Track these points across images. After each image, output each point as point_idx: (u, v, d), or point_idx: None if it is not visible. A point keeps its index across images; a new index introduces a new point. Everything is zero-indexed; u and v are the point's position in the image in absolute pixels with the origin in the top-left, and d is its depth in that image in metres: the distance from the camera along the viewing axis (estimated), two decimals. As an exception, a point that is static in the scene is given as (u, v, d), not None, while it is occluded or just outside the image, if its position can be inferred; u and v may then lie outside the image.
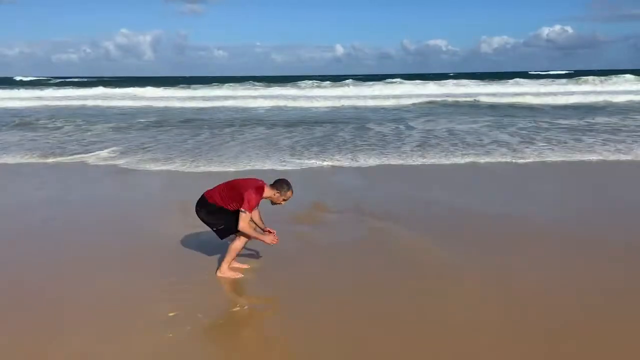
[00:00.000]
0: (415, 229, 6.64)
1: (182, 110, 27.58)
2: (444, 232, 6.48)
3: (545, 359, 3.67)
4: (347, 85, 47.04)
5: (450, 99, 31.12)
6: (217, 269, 5.23)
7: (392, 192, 8.76)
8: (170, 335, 4.02)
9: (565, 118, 20.11)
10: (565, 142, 13.68)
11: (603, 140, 14.04)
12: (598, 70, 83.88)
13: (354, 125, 18.53)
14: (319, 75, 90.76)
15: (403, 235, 6.38)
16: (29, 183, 10.00)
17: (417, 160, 11.57)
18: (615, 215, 7.25)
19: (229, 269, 5.22)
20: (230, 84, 52.17)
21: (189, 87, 47.38)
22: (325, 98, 33.00)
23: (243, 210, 4.89)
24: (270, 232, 5.25)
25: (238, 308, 4.53)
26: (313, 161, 11.60)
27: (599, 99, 29.57)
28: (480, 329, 4.08)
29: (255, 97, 34.37)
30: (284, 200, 5.15)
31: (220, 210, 5.12)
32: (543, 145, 13.20)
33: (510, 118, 20.46)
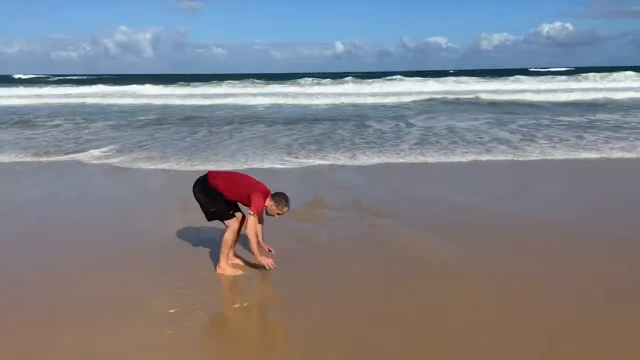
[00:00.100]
0: (415, 226, 6.61)
1: (182, 108, 27.54)
2: (444, 230, 6.45)
3: (546, 358, 3.64)
4: (347, 82, 46.96)
5: (450, 96, 31.06)
6: (217, 265, 5.21)
7: (392, 190, 8.71)
8: (171, 331, 4.03)
9: (566, 115, 20.06)
10: (567, 140, 13.61)
11: (605, 137, 13.96)
12: (598, 67, 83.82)
13: (353, 123, 18.47)
14: (319, 73, 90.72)
15: (403, 233, 6.35)
16: (22, 182, 9.94)
17: (416, 158, 11.50)
18: (617, 214, 7.18)
19: (229, 266, 5.21)
20: (230, 81, 52.12)
21: (188, 85, 47.31)
22: (325, 95, 32.94)
23: (251, 213, 4.92)
24: (270, 251, 5.31)
25: (238, 305, 4.53)
26: (312, 160, 11.53)
27: (600, 95, 29.53)
28: (480, 327, 4.06)
29: (254, 95, 34.31)
30: (278, 214, 5.15)
31: (217, 195, 5.12)
32: (544, 143, 13.13)
33: (511, 115, 20.41)
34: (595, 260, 5.42)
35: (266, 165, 10.96)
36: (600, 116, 19.36)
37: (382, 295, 4.69)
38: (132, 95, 37.92)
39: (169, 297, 4.62)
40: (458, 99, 29.96)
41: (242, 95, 35.01)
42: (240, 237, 5.94)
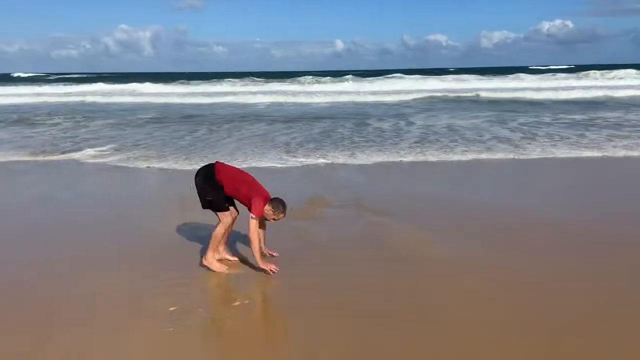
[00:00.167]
0: (416, 224, 6.59)
1: (182, 106, 27.51)
2: (444, 228, 6.42)
3: (547, 356, 3.62)
4: (347, 80, 46.91)
5: (450, 94, 31.02)
6: (204, 257, 5.21)
7: (393, 189, 8.68)
8: (171, 329, 4.03)
9: (567, 113, 20.02)
10: (569, 138, 13.56)
11: (607, 136, 13.89)
12: (599, 65, 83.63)
13: (354, 121, 18.43)
14: (319, 71, 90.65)
15: (403, 231, 6.35)
16: (18, 181, 9.87)
17: (417, 157, 11.45)
18: (620, 213, 7.11)
19: (216, 261, 5.20)
20: (230, 79, 52.06)
21: (188, 83, 47.25)
22: (326, 94, 32.90)
23: (253, 216, 4.93)
24: (273, 255, 5.38)
25: (238, 303, 4.51)
26: (311, 158, 11.49)
27: (600, 93, 29.47)
28: (481, 325, 4.05)
29: (254, 93, 34.26)
30: (274, 219, 5.14)
31: (218, 187, 5.11)
32: (546, 141, 13.07)
33: (512, 113, 20.36)
34: (597, 259, 5.38)
35: (265, 163, 10.92)
36: (602, 114, 19.30)
37: (382, 293, 4.67)
38: (132, 93, 37.87)
39: (169, 296, 4.63)
40: (458, 97, 29.92)
41: (242, 93, 34.95)
42: (242, 241, 5.91)
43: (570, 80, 42.67)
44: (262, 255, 5.17)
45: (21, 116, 21.67)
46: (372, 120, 18.57)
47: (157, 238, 6.17)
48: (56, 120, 19.94)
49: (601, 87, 33.66)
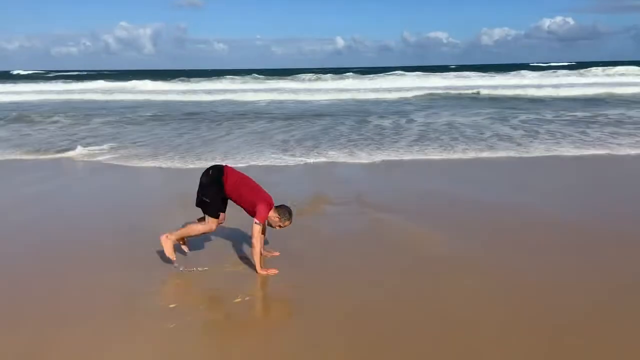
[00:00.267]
0: (417, 221, 6.58)
1: (182, 103, 27.49)
2: (447, 225, 6.40)
3: (549, 355, 3.60)
4: (348, 78, 46.86)
5: (451, 92, 30.96)
6: (165, 234, 5.17)
7: (394, 186, 8.66)
8: (172, 326, 4.03)
9: (568, 110, 19.94)
10: (571, 135, 13.47)
11: (610, 133, 13.81)
12: (600, 62, 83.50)
13: (354, 119, 18.37)
14: (320, 68, 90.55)
15: (405, 228, 6.35)
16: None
17: (417, 154, 11.39)
18: (624, 211, 7.03)
19: (172, 245, 5.14)
20: (231, 77, 52.03)
21: (188, 81, 47.21)
22: (327, 91, 32.85)
23: (257, 222, 4.93)
24: (275, 256, 5.43)
25: (239, 299, 4.50)
26: (312, 156, 11.43)
27: (602, 90, 29.36)
28: (482, 321, 4.06)
29: (255, 91, 34.24)
30: (279, 226, 5.18)
31: (220, 192, 5.11)
32: (547, 139, 12.99)
33: (513, 110, 20.30)
34: (600, 257, 5.33)
35: (265, 162, 10.86)
36: (603, 111, 19.23)
37: (383, 290, 4.67)
38: (132, 91, 37.85)
39: (169, 293, 4.67)
40: (459, 94, 29.86)
41: (243, 91, 34.91)
42: (245, 241, 5.84)
43: (572, 77, 42.57)
44: (263, 257, 5.16)
45: (21, 114, 21.58)
46: (372, 118, 18.51)
47: (156, 235, 6.11)
48: (55, 118, 19.87)
49: (602, 84, 33.59)
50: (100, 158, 11.70)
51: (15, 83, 48.20)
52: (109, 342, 3.82)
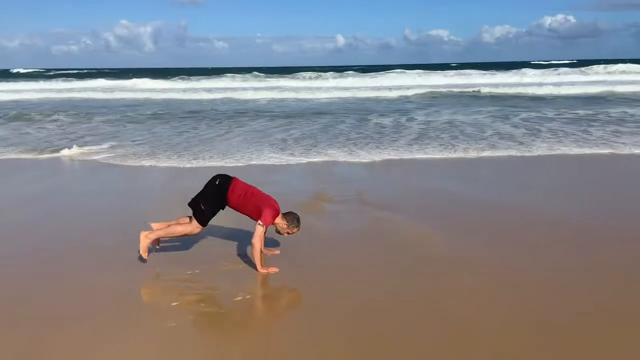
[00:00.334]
0: (419, 219, 6.58)
1: (183, 102, 27.46)
2: (448, 224, 6.39)
3: (548, 354, 3.58)
4: (349, 76, 46.82)
5: (453, 90, 30.90)
6: (146, 232, 5.18)
7: (394, 184, 8.64)
8: (173, 324, 4.03)
9: (569, 108, 19.88)
10: (574, 134, 13.40)
11: (612, 131, 13.74)
12: (601, 60, 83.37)
13: (355, 117, 18.32)
14: (320, 66, 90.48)
15: (406, 226, 6.35)
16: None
17: (418, 153, 11.34)
18: (628, 210, 6.98)
19: (148, 243, 5.14)
20: (232, 74, 51.99)
21: (189, 79, 47.17)
22: (327, 89, 32.82)
23: (261, 223, 4.94)
24: (275, 254, 5.43)
25: (240, 298, 4.50)
26: (313, 154, 11.40)
27: (603, 88, 29.29)
28: (482, 321, 4.03)
29: (255, 89, 34.22)
30: (288, 233, 5.20)
31: (220, 203, 5.13)
32: (549, 137, 12.93)
33: (514, 109, 20.24)
34: (603, 256, 5.30)
35: (266, 160, 10.82)
36: (605, 109, 19.16)
37: (384, 288, 4.67)
38: (133, 89, 37.83)
39: (170, 291, 4.66)
40: (461, 92, 29.80)
41: (243, 89, 34.89)
42: (244, 245, 5.80)
43: (573, 75, 42.49)
44: (263, 256, 5.15)
45: (20, 112, 21.56)
46: (373, 116, 18.47)
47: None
48: (55, 117, 19.84)
49: (604, 82, 33.51)
50: (96, 157, 11.64)
51: (15, 81, 48.14)
52: (109, 341, 3.81)
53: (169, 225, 5.26)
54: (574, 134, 13.36)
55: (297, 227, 5.16)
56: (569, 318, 4.04)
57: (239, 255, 5.49)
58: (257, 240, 4.92)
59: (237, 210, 5.22)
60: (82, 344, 3.79)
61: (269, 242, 5.61)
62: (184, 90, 34.78)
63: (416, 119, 17.38)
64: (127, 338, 3.86)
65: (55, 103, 27.11)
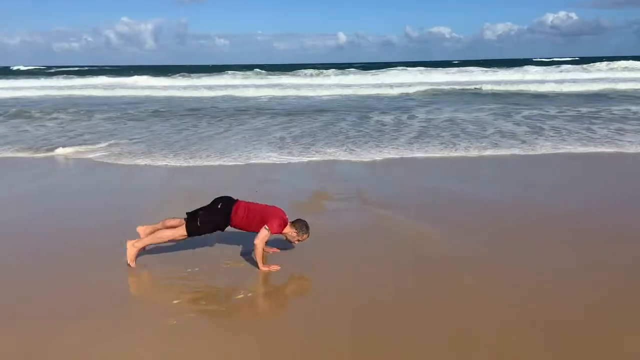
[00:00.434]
0: (420, 218, 6.56)
1: (184, 99, 27.42)
2: (449, 222, 6.38)
3: (550, 352, 3.57)
4: (351, 73, 46.73)
5: (454, 87, 30.81)
6: (133, 241, 5.16)
7: (395, 183, 8.59)
8: (174, 322, 4.04)
9: (572, 105, 19.81)
10: (578, 132, 13.28)
11: (616, 130, 13.64)
12: (604, 57, 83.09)
13: (356, 115, 18.26)
14: (322, 64, 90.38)
15: (406, 224, 6.33)
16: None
17: (419, 152, 11.28)
18: (631, 210, 6.94)
19: (135, 252, 5.13)
20: (233, 72, 51.89)
21: (189, 76, 47.07)
22: (328, 87, 32.74)
23: (267, 228, 4.99)
24: (275, 251, 5.47)
25: (241, 295, 4.52)
26: (313, 152, 11.35)
27: (605, 86, 29.17)
28: (483, 319, 4.03)
29: (257, 86, 34.14)
30: (298, 240, 5.24)
31: (219, 224, 5.16)
32: (553, 135, 12.83)
33: (516, 106, 20.17)
34: (604, 256, 5.27)
35: (266, 159, 10.75)
36: (607, 107, 19.08)
37: (385, 286, 4.68)
38: (134, 86, 37.75)
39: (171, 289, 4.68)
40: (462, 89, 29.72)
41: (244, 86, 34.82)
42: (245, 243, 5.75)
43: (576, 73, 42.33)
44: (264, 254, 5.18)
45: (20, 110, 21.50)
46: (374, 114, 18.40)
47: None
48: (55, 114, 19.77)
49: (606, 80, 33.39)
50: (91, 156, 11.54)
51: (16, 79, 48.08)
52: (110, 340, 3.82)
53: (155, 230, 5.24)
54: (578, 132, 13.26)
55: (306, 233, 5.21)
56: (570, 317, 4.03)
57: (239, 253, 5.47)
58: (260, 241, 4.98)
59: (242, 229, 5.24)
60: (83, 342, 3.79)
61: (269, 241, 5.56)
62: (185, 88, 34.69)
63: (417, 117, 17.31)
64: (128, 336, 3.86)
65: (56, 100, 27.06)
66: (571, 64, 56.80)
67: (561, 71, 43.97)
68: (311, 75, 46.90)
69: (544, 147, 11.40)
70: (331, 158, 10.81)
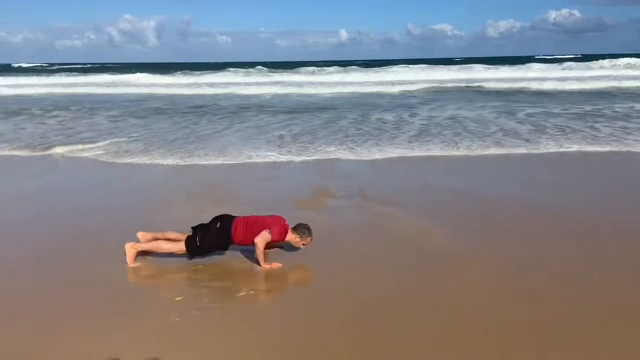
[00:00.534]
0: (421, 215, 6.55)
1: (186, 97, 27.42)
2: (449, 219, 6.37)
3: (551, 350, 3.56)
4: (352, 71, 46.67)
5: (456, 85, 30.74)
6: (131, 243, 5.19)
7: (397, 180, 8.56)
8: (177, 319, 4.08)
9: (575, 103, 19.73)
10: (582, 131, 13.19)
11: (621, 127, 13.56)
12: (607, 54, 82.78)
13: (358, 112, 18.23)
14: (324, 61, 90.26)
15: (408, 221, 6.34)
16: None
17: (420, 150, 11.25)
18: (637, 208, 6.91)
19: (135, 254, 5.14)
20: (235, 69, 51.87)
21: (191, 74, 47.07)
22: (330, 84, 32.71)
23: (268, 231, 5.05)
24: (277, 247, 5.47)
25: (243, 293, 4.56)
26: (315, 150, 11.34)
27: (608, 83, 29.06)
28: (485, 315, 4.04)
29: (258, 84, 34.13)
30: (303, 244, 5.30)
31: (221, 243, 5.21)
32: (557, 134, 12.76)
33: (519, 104, 20.12)
34: (609, 253, 5.25)
35: (267, 158, 10.72)
36: (610, 104, 19.00)
37: (387, 283, 4.69)
38: (137, 84, 37.73)
39: (174, 286, 4.72)
40: (464, 87, 29.65)
41: (247, 84, 34.80)
42: (246, 249, 5.79)
43: (578, 70, 42.19)
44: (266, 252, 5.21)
45: (21, 107, 21.50)
46: (376, 112, 18.37)
47: (160, 230, 6.05)
48: (56, 112, 19.77)
49: (608, 77, 33.28)
50: (88, 154, 11.49)
51: (17, 76, 48.10)
52: (113, 337, 3.84)
53: (155, 238, 5.25)
54: (582, 131, 13.16)
55: (309, 236, 5.25)
56: (574, 313, 4.03)
57: (241, 250, 5.47)
58: (260, 240, 5.02)
59: (244, 244, 5.25)
60: (86, 339, 3.80)
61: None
62: (188, 85, 34.69)
63: (419, 115, 17.26)
64: (131, 333, 3.88)
65: (58, 98, 27.06)
66: (574, 61, 56.54)
67: (564, 69, 43.84)
68: (313, 72, 46.82)
69: (547, 146, 11.33)
70: (336, 155, 10.77)
